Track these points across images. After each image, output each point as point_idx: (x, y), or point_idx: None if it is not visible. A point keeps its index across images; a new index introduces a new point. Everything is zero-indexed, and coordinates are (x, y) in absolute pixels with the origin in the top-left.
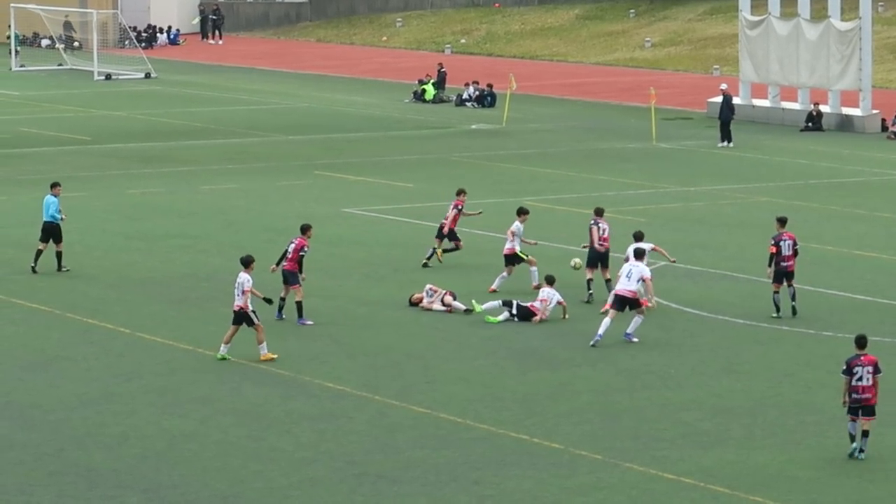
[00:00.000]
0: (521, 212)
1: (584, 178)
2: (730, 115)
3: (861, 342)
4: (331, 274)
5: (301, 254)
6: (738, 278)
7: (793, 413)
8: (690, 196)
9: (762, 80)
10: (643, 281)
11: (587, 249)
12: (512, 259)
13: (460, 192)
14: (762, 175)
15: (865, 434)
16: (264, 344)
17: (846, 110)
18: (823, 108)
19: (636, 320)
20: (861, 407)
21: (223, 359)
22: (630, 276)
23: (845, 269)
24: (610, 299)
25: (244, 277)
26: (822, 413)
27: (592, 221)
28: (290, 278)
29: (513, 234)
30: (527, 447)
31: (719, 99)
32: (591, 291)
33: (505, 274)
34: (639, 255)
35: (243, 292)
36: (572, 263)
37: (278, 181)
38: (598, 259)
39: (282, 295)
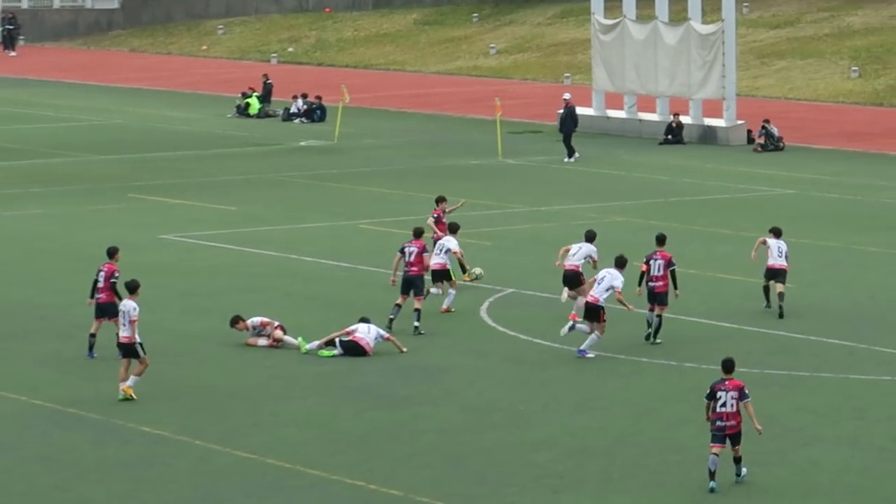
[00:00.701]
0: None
1: (425, 199)
2: (572, 127)
3: (727, 366)
4: (147, 306)
5: (112, 280)
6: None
7: (654, 452)
8: (541, 216)
9: (617, 90)
10: (613, 290)
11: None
12: (441, 275)
13: (440, 200)
14: (619, 192)
15: (737, 460)
16: (137, 379)
17: (709, 121)
18: (684, 119)
19: (592, 338)
20: (726, 435)
21: (125, 399)
22: (601, 283)
23: (710, 294)
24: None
25: (130, 305)
26: (686, 451)
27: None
28: (109, 310)
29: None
30: (363, 494)
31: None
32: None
33: (437, 290)
34: (620, 263)
35: (130, 322)
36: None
37: (88, 205)
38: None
39: (92, 331)
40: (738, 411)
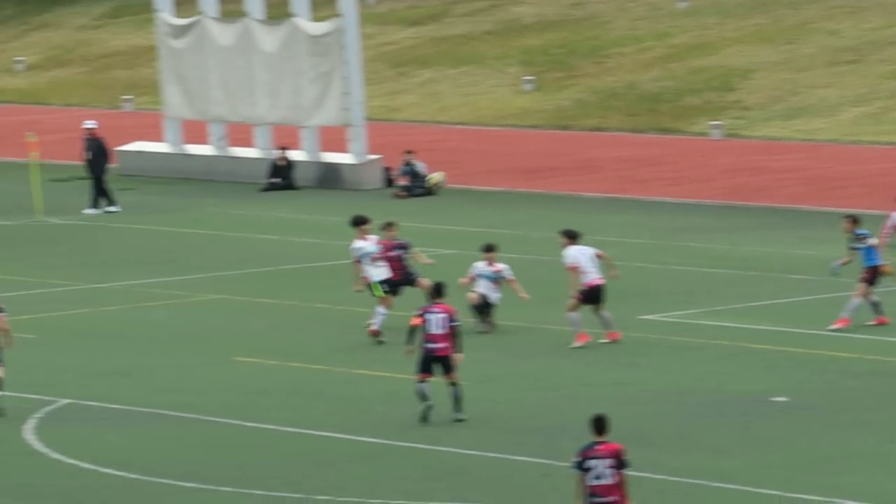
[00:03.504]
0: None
1: None
2: (104, 165)
3: (599, 425)
4: None
5: None
6: (185, 419)
7: None
8: (101, 297)
9: (199, 116)
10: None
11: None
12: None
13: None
14: (210, 260)
15: None
16: None
17: (329, 157)
18: (295, 156)
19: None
20: None
21: None
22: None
23: (342, 399)
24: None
25: None
26: None
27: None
28: None
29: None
30: None
31: (133, 147)
32: None
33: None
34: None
35: None
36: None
37: None
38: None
39: None
40: (618, 483)
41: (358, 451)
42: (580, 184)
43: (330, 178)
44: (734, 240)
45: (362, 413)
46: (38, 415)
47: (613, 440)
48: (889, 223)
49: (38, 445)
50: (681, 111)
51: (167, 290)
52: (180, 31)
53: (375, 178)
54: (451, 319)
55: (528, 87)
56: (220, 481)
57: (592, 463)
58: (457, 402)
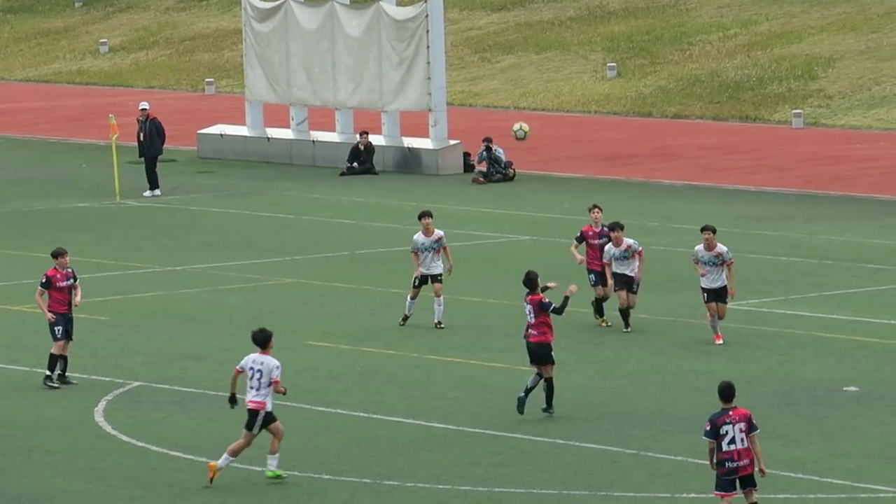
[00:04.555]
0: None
1: (8, 258)
2: (159, 147)
3: (729, 392)
4: None
5: None
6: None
7: None
8: (177, 281)
9: (281, 100)
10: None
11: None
12: None
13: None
14: (285, 244)
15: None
16: None
17: (410, 142)
18: (375, 140)
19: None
20: (739, 478)
21: None
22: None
23: (413, 384)
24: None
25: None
26: None
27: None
28: None
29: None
30: None
31: (214, 130)
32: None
33: None
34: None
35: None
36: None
37: None
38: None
39: None
40: (750, 447)
41: (428, 437)
42: (659, 171)
43: (410, 162)
44: (811, 229)
45: (434, 398)
46: (108, 397)
47: (683, 429)
48: None
49: (108, 427)
50: (763, 99)
51: (243, 273)
52: (265, 15)
53: (455, 164)
54: (541, 306)
55: (610, 73)
56: (288, 465)
57: (726, 428)
58: (549, 395)
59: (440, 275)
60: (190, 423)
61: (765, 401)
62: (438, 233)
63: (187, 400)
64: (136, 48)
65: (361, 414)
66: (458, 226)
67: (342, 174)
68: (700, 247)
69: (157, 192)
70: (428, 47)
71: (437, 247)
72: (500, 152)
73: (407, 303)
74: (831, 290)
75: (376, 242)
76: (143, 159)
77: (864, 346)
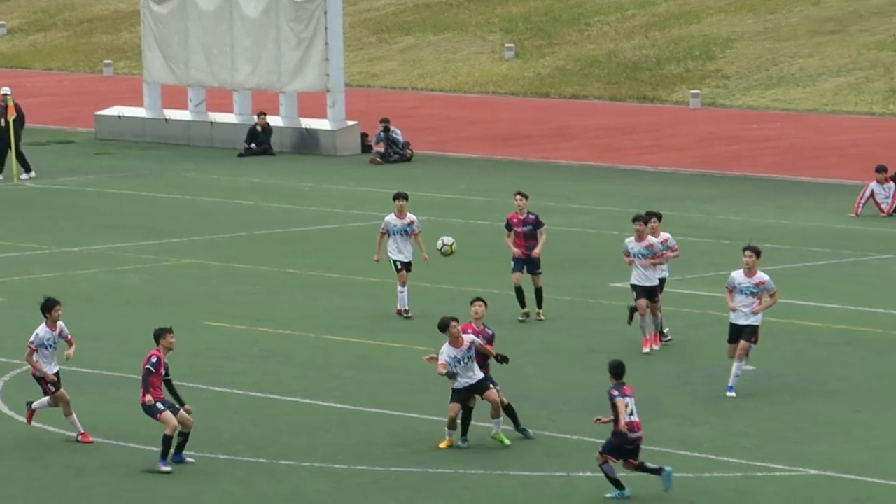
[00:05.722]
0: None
1: None
2: (19, 131)
3: (622, 370)
4: None
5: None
6: None
7: None
8: (74, 262)
9: (179, 81)
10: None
11: None
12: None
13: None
14: (183, 225)
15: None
16: None
17: (307, 123)
18: (273, 121)
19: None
20: (634, 448)
21: None
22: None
23: (308, 362)
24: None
25: None
26: None
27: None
28: None
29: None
30: None
31: (112, 112)
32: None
33: None
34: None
35: None
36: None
37: None
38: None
39: None
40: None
41: (325, 417)
42: (557, 151)
43: (308, 144)
44: (708, 209)
45: (331, 378)
46: (6, 378)
47: (580, 408)
48: (864, 193)
49: (4, 408)
50: (660, 80)
51: (140, 254)
52: None
53: (352, 144)
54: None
55: (508, 54)
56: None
57: (627, 400)
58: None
59: (409, 263)
60: (87, 403)
61: (661, 380)
62: (411, 216)
63: (84, 381)
64: (35, 30)
65: (258, 394)
66: (356, 206)
67: (240, 155)
68: (738, 272)
69: (33, 173)
70: (326, 28)
71: (409, 231)
72: (397, 133)
73: (401, 292)
74: (728, 270)
75: (274, 223)
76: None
77: (761, 326)
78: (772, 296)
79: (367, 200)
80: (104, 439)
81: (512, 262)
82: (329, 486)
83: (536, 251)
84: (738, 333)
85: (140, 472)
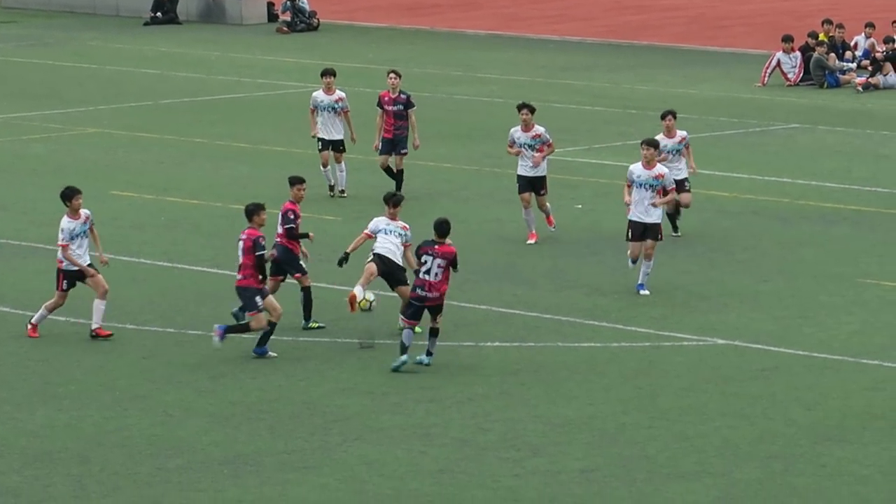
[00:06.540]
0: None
1: None
2: None
3: (443, 228)
4: None
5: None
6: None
7: (145, 455)
8: None
9: None
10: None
11: None
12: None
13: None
14: (88, 94)
15: (434, 333)
16: None
17: None
18: None
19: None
20: (427, 307)
21: None
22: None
23: (216, 233)
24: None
25: None
26: (189, 453)
27: None
28: None
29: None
30: None
31: None
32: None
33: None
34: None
35: None
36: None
37: None
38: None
39: None
40: (443, 280)
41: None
42: (463, 20)
43: (213, 12)
44: (615, 78)
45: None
46: None
47: (488, 278)
48: (771, 62)
49: None
50: None
51: (46, 123)
52: None
53: (259, 14)
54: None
55: None
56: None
57: (426, 258)
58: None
59: (341, 142)
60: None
61: (570, 250)
62: (339, 93)
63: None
64: None
65: (165, 264)
66: (262, 76)
67: (146, 24)
68: (636, 165)
69: None
70: None
71: (338, 108)
72: (304, 2)
73: (324, 172)
74: (635, 140)
75: (180, 92)
76: None
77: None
78: (669, 191)
79: (273, 70)
80: (11, 309)
81: (380, 144)
82: (236, 355)
83: (417, 143)
84: (643, 232)
85: (47, 341)
